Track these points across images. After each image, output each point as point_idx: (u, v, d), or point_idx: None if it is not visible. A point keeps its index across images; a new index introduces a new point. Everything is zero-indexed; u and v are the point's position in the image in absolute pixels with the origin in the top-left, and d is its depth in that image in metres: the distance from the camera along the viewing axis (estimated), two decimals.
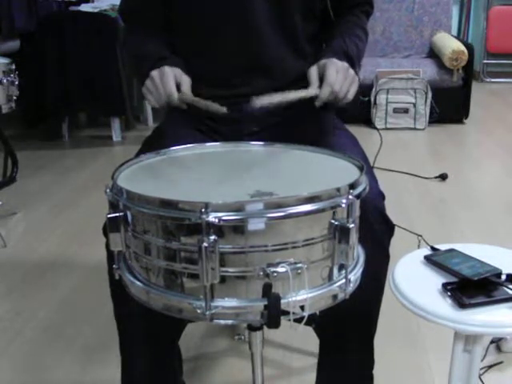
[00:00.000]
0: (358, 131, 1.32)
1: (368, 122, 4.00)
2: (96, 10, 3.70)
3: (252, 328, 0.90)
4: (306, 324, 0.78)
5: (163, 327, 1.13)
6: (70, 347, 1.66)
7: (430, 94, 3.95)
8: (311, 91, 1.12)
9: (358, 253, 0.88)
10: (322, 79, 1.14)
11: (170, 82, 1.14)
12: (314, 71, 1.15)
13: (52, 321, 1.80)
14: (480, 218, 2.51)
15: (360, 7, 1.34)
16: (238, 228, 0.74)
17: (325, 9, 1.27)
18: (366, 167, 0.88)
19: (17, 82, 2.34)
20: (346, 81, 1.13)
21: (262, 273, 0.75)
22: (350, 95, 1.14)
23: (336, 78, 1.12)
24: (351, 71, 1.15)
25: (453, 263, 1.01)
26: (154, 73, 1.16)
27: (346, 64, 1.15)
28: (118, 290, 0.92)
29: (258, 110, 1.05)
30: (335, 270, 0.81)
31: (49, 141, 3.83)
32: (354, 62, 1.20)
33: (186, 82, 1.17)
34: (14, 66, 2.35)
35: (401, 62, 4.29)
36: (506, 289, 0.94)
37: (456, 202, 2.70)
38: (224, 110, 1.08)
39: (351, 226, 0.77)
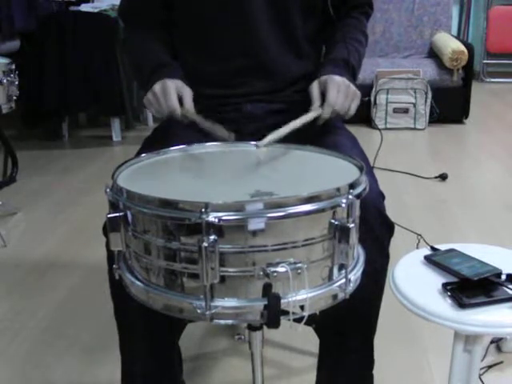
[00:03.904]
0: (358, 131, 1.32)
1: (368, 122, 4.00)
2: (96, 10, 3.70)
3: (252, 328, 0.90)
4: (306, 324, 0.78)
5: (163, 327, 1.13)
6: (70, 347, 1.66)
7: (430, 94, 3.95)
8: (313, 114, 1.12)
9: (358, 253, 0.88)
10: (323, 95, 1.15)
11: (173, 97, 1.12)
12: (315, 88, 1.16)
13: (52, 321, 1.80)
14: (480, 217, 2.51)
15: (360, 8, 1.34)
16: (238, 228, 0.74)
17: (325, 8, 1.27)
18: (365, 167, 0.88)
19: (17, 82, 2.34)
20: (347, 99, 1.15)
21: (262, 273, 0.75)
22: (352, 111, 1.16)
23: (337, 98, 1.13)
24: (352, 88, 1.16)
25: (453, 263, 1.01)
26: (156, 87, 1.14)
27: (346, 81, 1.16)
28: (118, 290, 0.92)
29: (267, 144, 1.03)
30: (335, 270, 0.81)
31: (49, 141, 3.83)
32: (356, 72, 1.22)
33: (188, 94, 1.16)
34: (13, 66, 2.35)
35: (401, 62, 4.29)
36: (505, 289, 0.94)
37: (456, 202, 2.70)
38: (232, 137, 1.07)
39: (351, 225, 0.77)
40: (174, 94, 1.13)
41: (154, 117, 4.12)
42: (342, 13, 1.31)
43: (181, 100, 1.14)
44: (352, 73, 1.21)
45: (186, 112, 1.12)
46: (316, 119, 1.13)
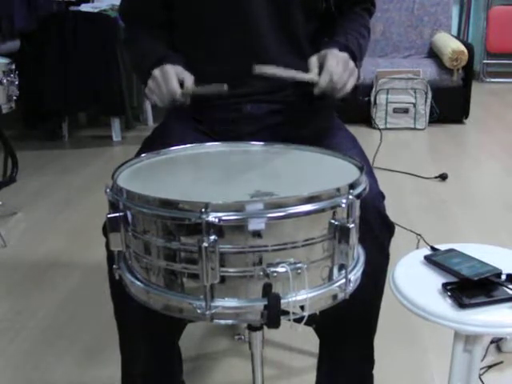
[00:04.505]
0: (358, 131, 1.32)
1: (368, 122, 4.00)
2: (96, 10, 3.70)
3: (252, 328, 0.90)
4: (306, 324, 0.78)
5: (163, 327, 1.13)
6: (70, 347, 1.66)
7: (430, 94, 3.95)
8: (311, 76, 1.11)
9: (358, 253, 0.88)
10: (321, 68, 1.13)
11: (173, 80, 1.12)
12: (314, 60, 1.15)
13: (52, 321, 1.80)
14: (480, 218, 2.51)
15: (362, 4, 1.34)
16: (238, 228, 0.74)
17: (326, 8, 1.27)
18: (365, 167, 0.88)
19: (17, 82, 2.34)
20: (345, 71, 1.13)
21: (261, 273, 0.75)
22: (349, 86, 1.13)
23: (335, 68, 1.11)
24: (351, 63, 1.15)
25: (453, 263, 1.01)
26: (156, 72, 1.14)
27: (346, 55, 1.15)
28: (118, 290, 0.92)
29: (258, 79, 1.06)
30: (335, 270, 0.81)
31: (49, 141, 3.83)
32: (355, 56, 1.20)
33: (189, 78, 1.15)
34: (13, 66, 2.34)
35: (401, 62, 4.28)
36: (505, 289, 0.94)
37: (456, 202, 2.70)
38: (224, 87, 1.07)
39: (351, 225, 0.77)
40: (174, 78, 1.12)
41: (154, 117, 4.12)
42: (344, 9, 1.30)
43: (182, 86, 1.14)
44: (352, 56, 1.18)
45: (185, 90, 1.12)
46: (313, 88, 1.11)
